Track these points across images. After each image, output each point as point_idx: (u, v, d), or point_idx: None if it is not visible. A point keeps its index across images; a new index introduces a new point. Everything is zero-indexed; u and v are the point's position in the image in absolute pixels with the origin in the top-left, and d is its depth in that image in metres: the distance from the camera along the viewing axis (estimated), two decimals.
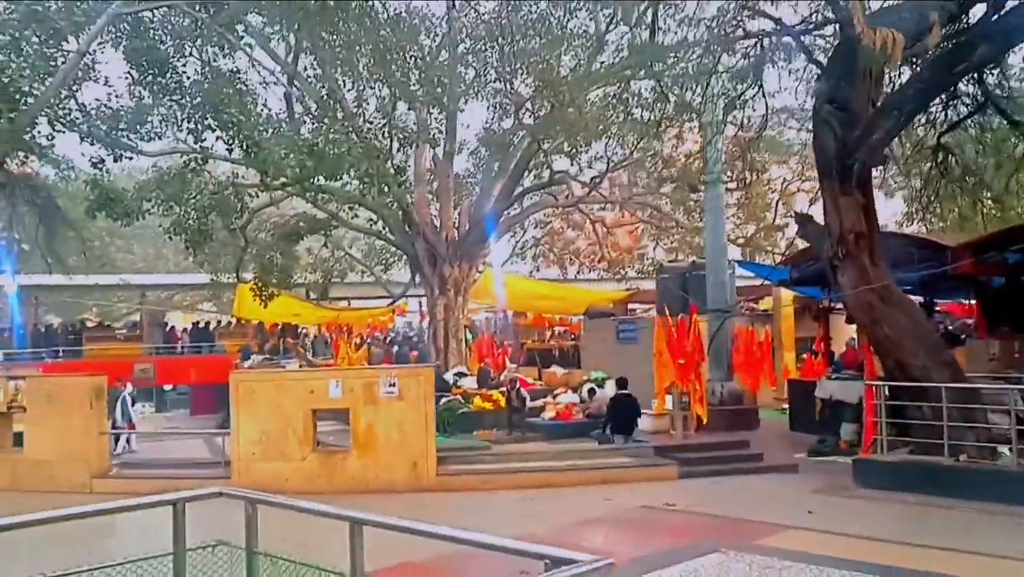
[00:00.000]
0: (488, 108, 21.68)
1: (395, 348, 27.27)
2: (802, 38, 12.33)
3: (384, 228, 21.86)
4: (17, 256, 24.61)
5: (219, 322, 30.64)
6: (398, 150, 19.64)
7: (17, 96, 13.91)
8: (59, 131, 14.79)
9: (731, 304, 17.51)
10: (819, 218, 12.35)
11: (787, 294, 19.46)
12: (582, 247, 29.99)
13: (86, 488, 11.85)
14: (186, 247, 20.70)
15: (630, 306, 24.65)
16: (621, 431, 13.86)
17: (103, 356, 26.38)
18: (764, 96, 13.87)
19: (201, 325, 29.98)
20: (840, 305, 15.77)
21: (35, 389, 12.11)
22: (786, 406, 18.05)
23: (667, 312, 15.73)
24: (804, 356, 19.75)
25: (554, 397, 22.09)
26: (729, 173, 16.07)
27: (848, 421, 14.13)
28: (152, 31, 15.15)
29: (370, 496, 11.35)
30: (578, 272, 28.50)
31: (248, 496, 4.34)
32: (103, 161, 14.91)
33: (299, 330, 29.82)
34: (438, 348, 22.08)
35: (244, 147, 15.57)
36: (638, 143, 18.60)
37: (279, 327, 28.15)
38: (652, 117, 17.12)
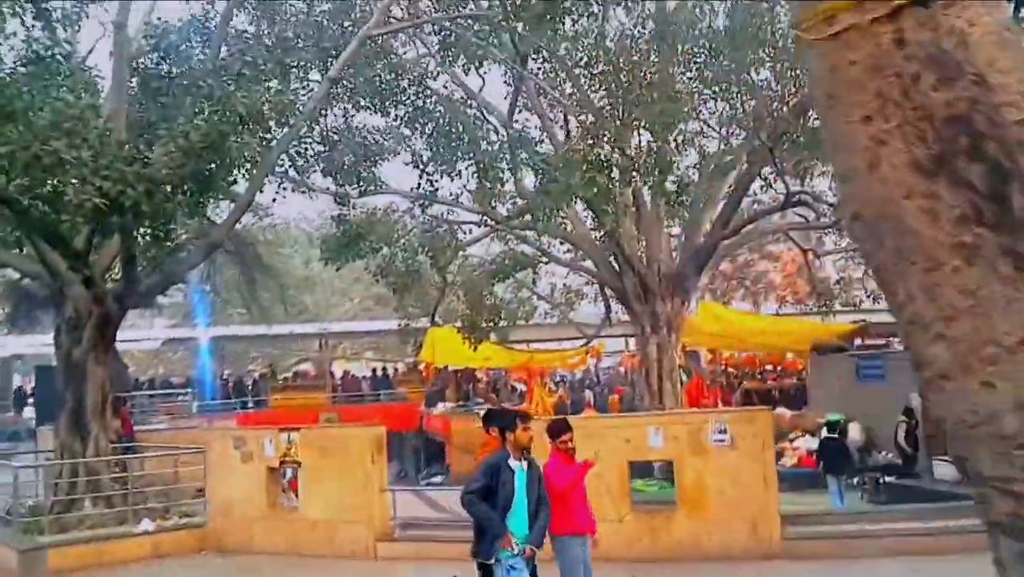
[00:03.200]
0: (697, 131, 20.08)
1: (586, 393, 25.66)
2: None
3: (595, 264, 20.42)
4: (212, 308, 24.51)
5: (395, 369, 29.85)
6: (615, 179, 18.27)
7: (262, 133, 13.23)
8: (301, 167, 14.04)
9: None
10: None
11: None
12: (776, 280, 27.76)
13: (370, 553, 10.53)
14: (393, 290, 19.82)
15: (859, 341, 22.24)
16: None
17: (289, 405, 25.86)
18: None
19: (379, 372, 29.24)
20: None
21: (309, 442, 10.98)
22: None
23: None
24: None
25: (790, 442, 19.98)
26: None
27: None
28: (391, 55, 14.34)
29: (704, 565, 9.60)
30: (779, 307, 26.25)
31: None
32: (347, 195, 14.04)
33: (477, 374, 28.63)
34: (652, 391, 20.28)
35: (487, 175, 14.53)
36: None
37: (457, 372, 27.02)
38: None
